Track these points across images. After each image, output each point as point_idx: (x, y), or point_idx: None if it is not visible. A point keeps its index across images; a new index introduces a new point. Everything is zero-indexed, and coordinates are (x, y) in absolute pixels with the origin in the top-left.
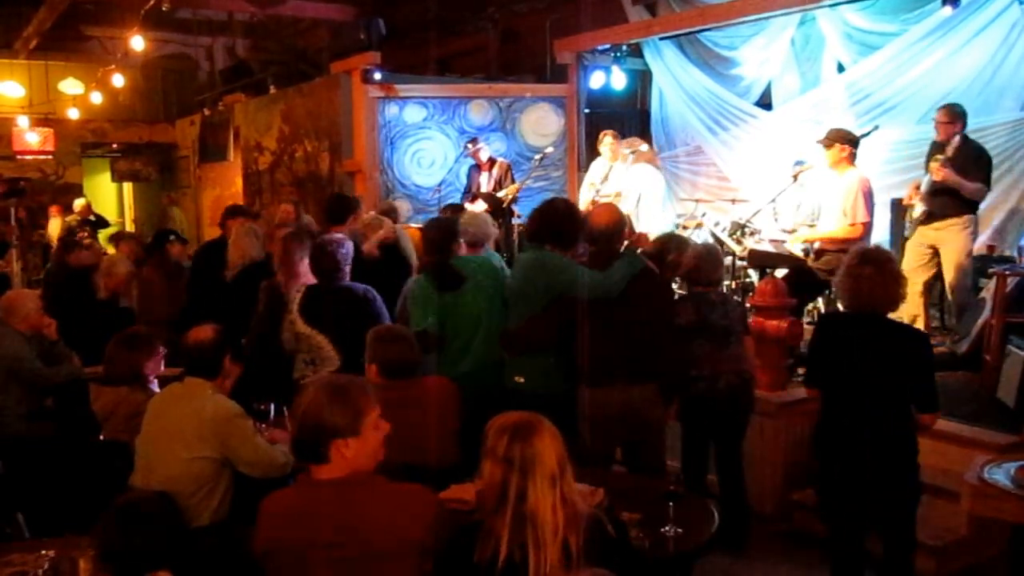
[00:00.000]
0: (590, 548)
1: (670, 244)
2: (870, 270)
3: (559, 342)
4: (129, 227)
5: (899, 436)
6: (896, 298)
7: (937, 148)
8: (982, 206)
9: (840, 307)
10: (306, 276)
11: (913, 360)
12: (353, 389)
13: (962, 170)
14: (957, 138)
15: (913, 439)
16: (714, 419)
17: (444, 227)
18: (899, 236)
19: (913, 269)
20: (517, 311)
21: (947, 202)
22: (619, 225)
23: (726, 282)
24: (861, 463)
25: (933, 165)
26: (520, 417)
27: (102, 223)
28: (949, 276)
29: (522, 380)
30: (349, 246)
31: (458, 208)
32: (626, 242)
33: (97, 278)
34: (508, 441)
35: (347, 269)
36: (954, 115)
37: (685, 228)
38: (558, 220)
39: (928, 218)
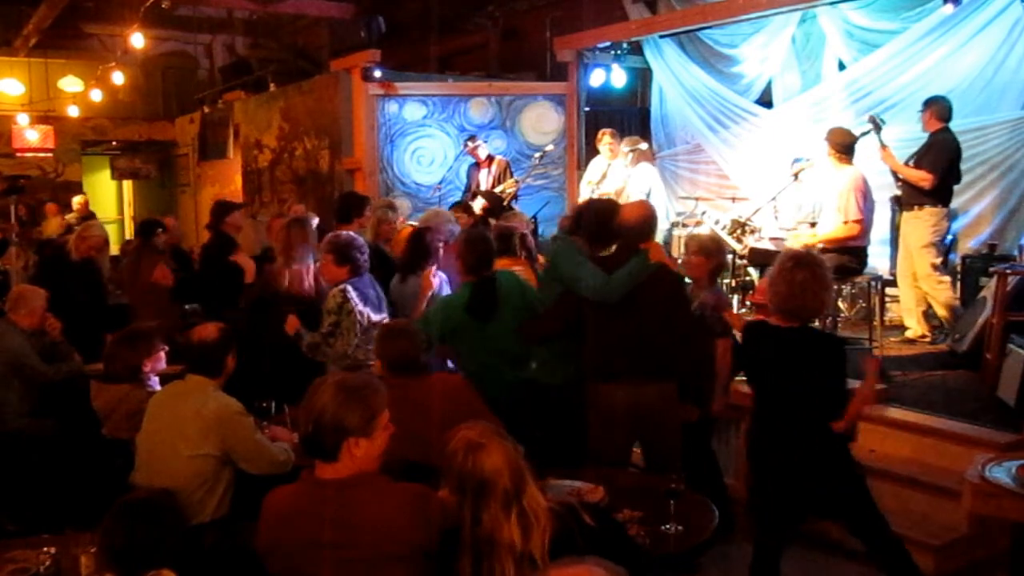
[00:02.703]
0: (564, 541)
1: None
2: (804, 275)
3: (567, 334)
4: (128, 225)
5: (829, 433)
6: (828, 305)
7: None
8: (981, 205)
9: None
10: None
11: (830, 367)
12: (368, 390)
13: (921, 159)
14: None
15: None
16: None
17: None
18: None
19: (903, 258)
20: (543, 298)
21: (908, 191)
22: (646, 221)
23: (726, 280)
24: (797, 461)
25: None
26: (468, 438)
27: None
28: (915, 264)
29: (533, 368)
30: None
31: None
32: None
33: (70, 244)
34: (459, 466)
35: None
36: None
37: (685, 226)
38: (588, 216)
39: (900, 206)
